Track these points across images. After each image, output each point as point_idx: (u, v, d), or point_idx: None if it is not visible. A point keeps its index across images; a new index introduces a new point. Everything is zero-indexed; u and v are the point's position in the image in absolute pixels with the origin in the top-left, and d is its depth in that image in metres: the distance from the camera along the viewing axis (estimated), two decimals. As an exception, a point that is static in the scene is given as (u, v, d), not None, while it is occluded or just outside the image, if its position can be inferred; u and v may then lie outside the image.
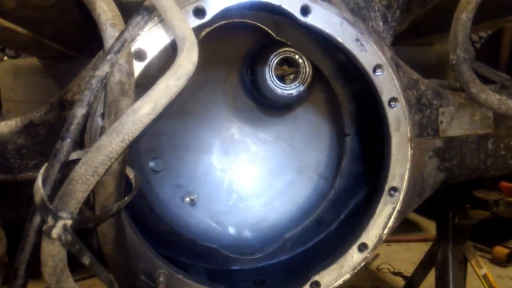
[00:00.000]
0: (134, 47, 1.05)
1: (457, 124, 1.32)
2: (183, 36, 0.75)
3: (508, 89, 1.31)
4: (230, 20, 1.37)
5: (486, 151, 1.36)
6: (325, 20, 1.20)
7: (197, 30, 1.27)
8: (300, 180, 1.73)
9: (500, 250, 3.49)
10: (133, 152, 1.50)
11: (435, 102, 1.30)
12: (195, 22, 1.12)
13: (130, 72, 0.83)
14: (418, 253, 3.73)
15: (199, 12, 1.10)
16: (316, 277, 1.28)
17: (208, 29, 1.36)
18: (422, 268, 2.52)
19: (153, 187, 1.53)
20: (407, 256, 3.87)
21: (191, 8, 1.10)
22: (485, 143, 1.36)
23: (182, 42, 0.76)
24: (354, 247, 1.29)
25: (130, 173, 0.87)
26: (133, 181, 0.86)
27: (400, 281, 3.39)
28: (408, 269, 3.46)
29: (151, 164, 1.55)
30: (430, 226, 4.32)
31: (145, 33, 1.05)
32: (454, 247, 2.34)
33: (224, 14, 1.21)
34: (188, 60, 0.72)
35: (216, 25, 1.35)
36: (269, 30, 1.42)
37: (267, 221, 1.67)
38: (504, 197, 3.81)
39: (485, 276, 2.32)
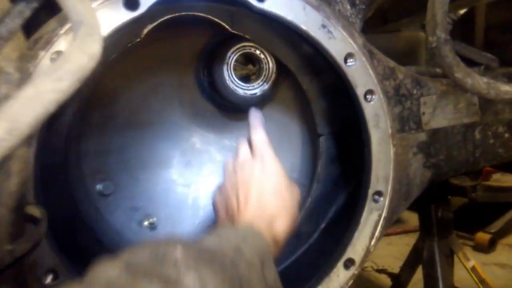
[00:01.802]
0: (51, 50, 0.84)
1: (440, 114, 1.18)
2: (79, 19, 0.54)
3: (493, 71, 1.18)
4: (177, 14, 1.18)
5: (473, 142, 1.23)
6: (285, 5, 1.03)
7: (135, 26, 1.08)
8: (273, 189, 1.55)
9: (482, 236, 3.45)
10: (76, 176, 1.28)
11: (415, 91, 1.15)
12: (127, 15, 0.92)
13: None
14: (400, 246, 3.65)
15: (131, 2, 0.91)
16: (299, 303, 1.11)
17: (150, 26, 1.16)
18: (409, 266, 2.41)
19: (102, 214, 1.32)
20: (389, 251, 3.78)
21: (120, -2, 0.90)
22: (472, 133, 1.23)
23: (78, 26, 0.54)
24: (339, 265, 1.13)
25: (36, 211, 0.66)
26: (42, 222, 0.65)
27: (385, 279, 3.29)
28: (392, 265, 3.37)
29: (99, 187, 1.33)
30: (410, 217, 4.26)
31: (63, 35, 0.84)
32: (440, 241, 2.23)
33: (166, 6, 1.02)
34: (80, 51, 0.51)
35: (160, 20, 1.16)
36: (223, 23, 1.23)
37: (240, 238, 1.49)
38: (480, 182, 3.80)
39: (473, 269, 2.23)
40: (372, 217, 1.13)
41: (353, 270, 1.13)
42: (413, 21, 1.98)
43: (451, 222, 2.27)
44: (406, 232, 4.02)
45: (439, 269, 2.18)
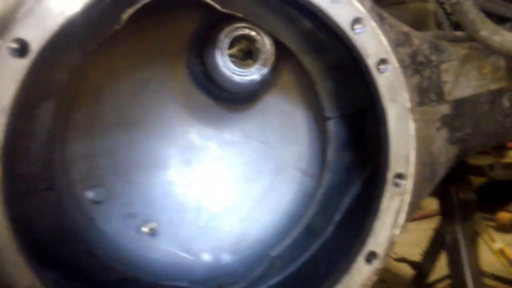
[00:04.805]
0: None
1: (464, 82, 1.04)
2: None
3: (520, 28, 1.04)
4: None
5: (503, 110, 1.10)
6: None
7: (111, 10, 0.96)
8: (280, 182, 1.43)
9: (504, 216, 3.29)
10: (62, 183, 1.16)
11: (434, 58, 1.02)
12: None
13: None
14: (418, 233, 3.49)
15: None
16: (319, 306, 0.99)
17: (130, 10, 1.04)
18: (430, 254, 2.28)
19: (95, 223, 1.20)
20: (408, 238, 3.63)
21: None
22: (500, 101, 1.09)
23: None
24: (360, 259, 1.00)
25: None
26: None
27: (406, 268, 3.15)
28: (411, 252, 3.22)
29: (90, 194, 1.21)
30: (427, 202, 4.10)
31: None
32: (463, 224, 2.10)
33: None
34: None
35: (140, 3, 1.03)
36: (211, 2, 1.11)
37: (248, 238, 1.36)
38: (499, 160, 3.63)
39: (501, 251, 2.09)
40: (394, 203, 1.00)
41: (376, 265, 1.00)
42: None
43: (474, 203, 2.13)
44: (424, 217, 3.86)
45: (464, 254, 2.05)
